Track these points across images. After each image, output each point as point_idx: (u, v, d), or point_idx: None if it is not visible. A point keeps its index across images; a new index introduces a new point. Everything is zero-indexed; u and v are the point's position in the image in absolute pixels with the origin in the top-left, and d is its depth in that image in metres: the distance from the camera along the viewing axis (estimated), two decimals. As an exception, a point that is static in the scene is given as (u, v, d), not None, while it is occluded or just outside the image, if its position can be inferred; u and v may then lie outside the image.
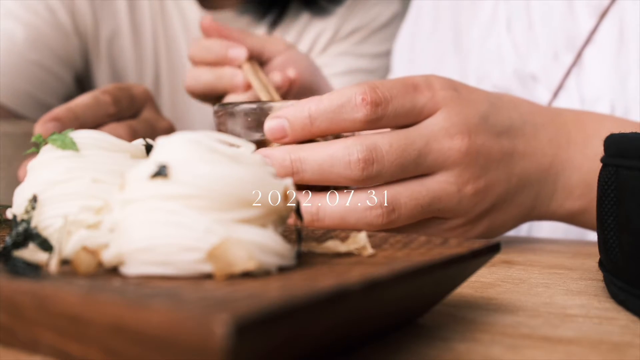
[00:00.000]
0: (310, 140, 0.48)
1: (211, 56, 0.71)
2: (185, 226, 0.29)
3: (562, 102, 0.72)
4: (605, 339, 0.30)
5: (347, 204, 0.46)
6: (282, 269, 0.30)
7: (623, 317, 0.34)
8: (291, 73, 0.72)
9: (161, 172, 0.29)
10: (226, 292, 0.26)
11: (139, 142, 0.39)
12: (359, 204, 0.46)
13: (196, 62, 0.73)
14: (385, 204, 0.46)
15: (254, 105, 0.50)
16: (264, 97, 0.65)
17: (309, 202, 0.47)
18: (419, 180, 0.48)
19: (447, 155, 0.48)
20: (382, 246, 0.35)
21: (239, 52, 0.71)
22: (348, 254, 0.34)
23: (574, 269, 0.47)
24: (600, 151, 0.54)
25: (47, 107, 1.05)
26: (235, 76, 0.70)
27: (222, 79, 0.71)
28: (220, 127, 0.52)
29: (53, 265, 0.29)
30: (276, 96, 0.67)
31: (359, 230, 0.46)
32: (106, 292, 0.24)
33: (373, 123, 0.46)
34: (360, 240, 0.34)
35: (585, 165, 0.54)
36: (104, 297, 0.23)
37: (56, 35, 0.95)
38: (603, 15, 0.71)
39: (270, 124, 0.47)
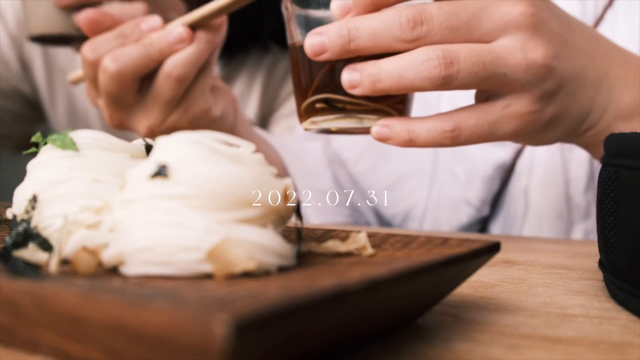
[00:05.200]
0: None
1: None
2: (185, 226, 0.29)
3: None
4: (605, 339, 0.30)
5: (405, 60, 0.46)
6: (282, 269, 0.30)
7: (623, 317, 0.34)
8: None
9: (161, 172, 0.29)
10: (226, 292, 0.26)
11: (139, 142, 0.39)
12: (418, 58, 0.46)
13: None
14: (443, 57, 0.46)
15: None
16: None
17: (369, 65, 0.47)
18: (482, 44, 0.47)
19: (507, 19, 0.47)
20: (382, 246, 0.35)
21: (154, 20, 0.63)
22: (348, 254, 0.34)
23: (574, 269, 0.47)
24: None
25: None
26: (172, 33, 0.61)
27: (153, 45, 0.61)
28: (293, 23, 0.53)
29: (53, 265, 0.29)
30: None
31: (418, 89, 0.47)
32: (106, 292, 0.24)
33: None
34: (360, 240, 0.34)
35: (638, 90, 0.53)
36: (104, 297, 0.23)
37: None
38: None
39: (336, 3, 0.48)
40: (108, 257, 0.30)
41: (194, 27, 0.62)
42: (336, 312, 0.24)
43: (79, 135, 0.36)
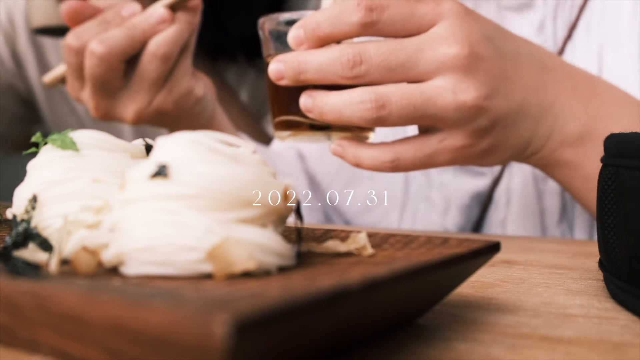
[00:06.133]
0: None
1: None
2: (185, 226, 0.29)
3: (514, 170, 0.73)
4: (605, 339, 0.30)
5: (344, 99, 0.50)
6: (282, 269, 0.30)
7: (623, 317, 0.34)
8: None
9: (161, 172, 0.29)
10: (226, 292, 0.26)
11: (139, 142, 0.39)
12: (354, 99, 0.50)
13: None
14: (375, 100, 0.50)
15: (296, 16, 0.55)
16: None
17: (319, 96, 0.51)
18: (415, 84, 0.50)
19: (441, 62, 0.49)
20: (382, 246, 0.35)
21: (132, 6, 0.64)
22: (348, 254, 0.34)
23: (574, 269, 0.47)
24: (601, 113, 0.55)
25: None
26: (154, 15, 0.63)
27: (136, 28, 0.63)
28: (266, 41, 0.58)
29: (53, 265, 0.29)
30: None
31: (354, 126, 0.53)
32: (106, 292, 0.24)
33: (369, 27, 0.49)
34: (360, 240, 0.34)
35: (584, 119, 0.55)
36: (104, 297, 0.23)
37: None
38: None
39: (291, 34, 0.52)
40: (108, 257, 0.30)
41: (172, 8, 0.65)
42: (336, 312, 0.24)
43: (79, 135, 0.36)
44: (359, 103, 0.50)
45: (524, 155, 0.56)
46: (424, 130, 0.54)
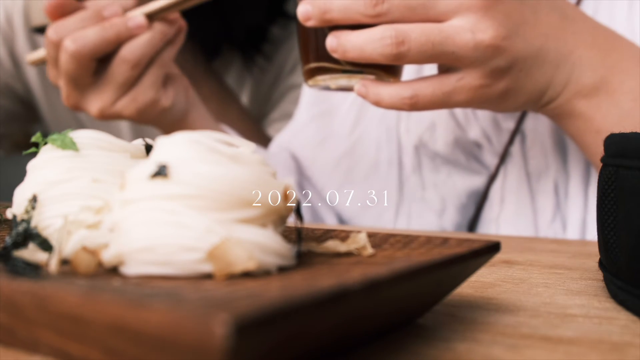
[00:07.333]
0: None
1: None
2: (185, 226, 0.29)
3: (509, 169, 0.73)
4: (605, 339, 0.30)
5: (366, 36, 0.52)
6: (282, 269, 0.30)
7: (623, 317, 0.34)
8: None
9: (161, 172, 0.29)
10: (226, 292, 0.26)
11: (139, 142, 0.39)
12: (375, 36, 0.52)
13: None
14: (395, 37, 0.51)
15: None
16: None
17: (343, 35, 0.53)
18: (435, 23, 0.52)
19: (460, 2, 0.51)
20: (382, 246, 0.35)
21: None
22: (348, 254, 0.34)
23: (574, 269, 0.47)
24: (619, 68, 0.56)
25: None
26: (131, 20, 0.66)
27: (111, 28, 0.65)
28: None
29: (53, 265, 0.29)
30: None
31: (381, 70, 0.55)
32: (106, 292, 0.24)
33: None
34: (360, 240, 0.34)
35: (601, 71, 0.56)
36: (104, 297, 0.23)
37: None
38: None
39: None
40: (108, 257, 0.30)
41: (151, 17, 0.67)
42: (336, 312, 0.24)
43: (79, 135, 0.36)
44: (380, 39, 0.51)
45: (540, 103, 0.57)
46: (444, 70, 0.55)
